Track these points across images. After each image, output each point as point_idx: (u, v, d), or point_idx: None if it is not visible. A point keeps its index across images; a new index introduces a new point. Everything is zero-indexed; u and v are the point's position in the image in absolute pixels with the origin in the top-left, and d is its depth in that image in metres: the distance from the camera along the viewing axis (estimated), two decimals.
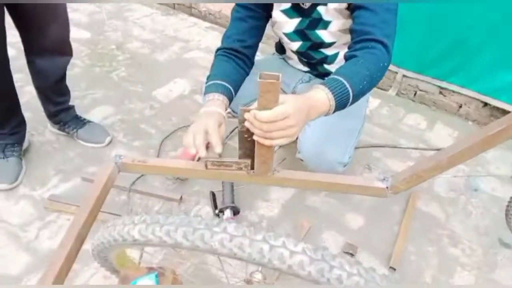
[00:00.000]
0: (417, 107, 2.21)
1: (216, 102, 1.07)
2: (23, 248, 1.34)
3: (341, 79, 0.94)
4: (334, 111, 0.94)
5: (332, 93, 0.90)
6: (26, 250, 1.33)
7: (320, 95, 0.90)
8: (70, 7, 1.48)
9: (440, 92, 2.17)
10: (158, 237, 0.58)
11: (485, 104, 2.05)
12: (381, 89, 2.30)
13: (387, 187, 0.92)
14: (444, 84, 2.11)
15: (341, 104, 0.93)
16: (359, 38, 1.07)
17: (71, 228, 0.81)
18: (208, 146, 0.93)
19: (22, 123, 1.59)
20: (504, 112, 1.96)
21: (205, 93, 1.12)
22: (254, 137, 0.78)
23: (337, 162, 1.30)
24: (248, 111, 0.76)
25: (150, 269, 0.83)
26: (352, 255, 1.32)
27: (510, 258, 1.39)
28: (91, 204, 0.86)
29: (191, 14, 3.07)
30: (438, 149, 1.82)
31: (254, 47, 1.30)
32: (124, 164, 0.94)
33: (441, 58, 2.05)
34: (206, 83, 1.16)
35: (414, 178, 0.91)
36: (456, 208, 1.57)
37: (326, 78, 0.96)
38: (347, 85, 0.93)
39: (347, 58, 1.07)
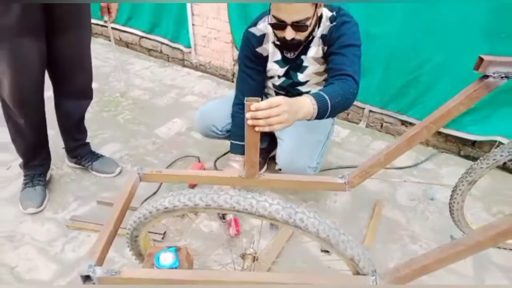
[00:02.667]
0: (383, 136, 2.54)
1: (238, 163, 1.71)
2: (51, 259, 1.56)
3: (321, 92, 1.25)
4: (316, 117, 1.21)
5: (316, 101, 1.19)
6: (54, 261, 1.56)
7: (306, 100, 1.18)
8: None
9: (402, 123, 2.50)
10: (182, 202, 0.87)
11: (439, 132, 2.37)
12: (353, 122, 2.65)
13: (345, 183, 1.22)
14: (404, 117, 2.43)
15: (321, 110, 1.20)
16: (334, 73, 1.42)
17: (109, 219, 1.08)
18: None
19: (48, 156, 1.87)
20: (455, 137, 2.31)
21: (231, 151, 1.79)
22: (257, 129, 0.97)
23: (307, 166, 1.65)
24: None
25: (170, 247, 1.09)
26: (327, 252, 1.58)
27: None
28: (122, 202, 1.13)
29: (184, 66, 3.46)
30: (398, 168, 2.15)
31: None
32: (144, 175, 1.23)
33: (399, 95, 2.37)
34: (231, 138, 1.80)
35: (363, 173, 1.22)
36: (416, 214, 1.85)
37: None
38: (326, 97, 1.23)
39: (325, 86, 1.40)
